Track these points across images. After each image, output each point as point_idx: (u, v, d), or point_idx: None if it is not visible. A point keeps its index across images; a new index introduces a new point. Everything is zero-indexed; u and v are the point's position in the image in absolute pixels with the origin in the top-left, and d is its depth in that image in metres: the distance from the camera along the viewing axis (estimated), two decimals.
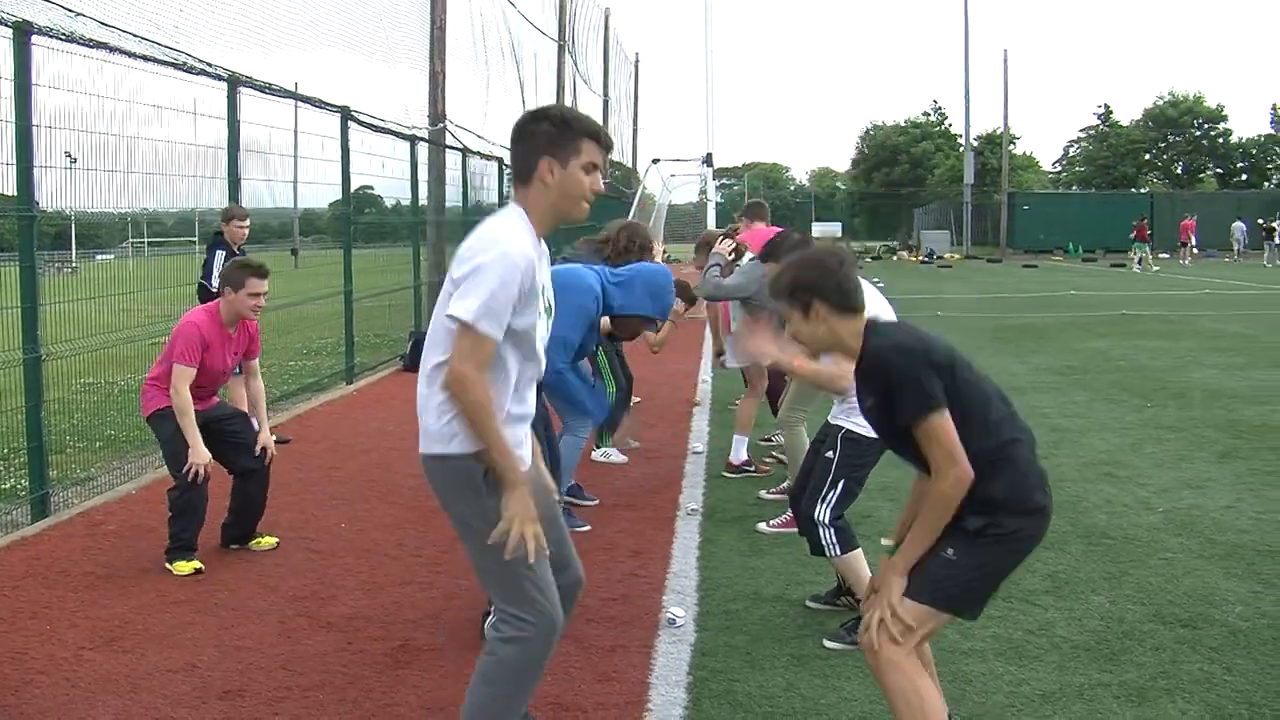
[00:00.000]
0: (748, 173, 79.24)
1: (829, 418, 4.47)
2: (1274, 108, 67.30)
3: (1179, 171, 62.76)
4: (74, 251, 12.88)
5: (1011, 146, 54.92)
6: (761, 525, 5.83)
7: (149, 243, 19.93)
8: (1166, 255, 40.32)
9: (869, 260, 43.52)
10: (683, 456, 7.66)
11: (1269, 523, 5.81)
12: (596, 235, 6.87)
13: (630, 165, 39.42)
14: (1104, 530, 5.70)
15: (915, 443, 2.86)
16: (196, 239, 13.31)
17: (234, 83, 8.64)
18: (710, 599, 4.76)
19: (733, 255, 6.93)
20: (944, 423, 2.80)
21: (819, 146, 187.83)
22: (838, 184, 78.98)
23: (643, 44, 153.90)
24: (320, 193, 12.31)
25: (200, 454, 5.13)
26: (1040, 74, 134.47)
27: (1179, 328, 16.28)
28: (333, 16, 12.12)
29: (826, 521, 4.26)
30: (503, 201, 18.67)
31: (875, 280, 24.06)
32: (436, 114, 14.77)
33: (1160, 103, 62.95)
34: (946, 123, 66.36)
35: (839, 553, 4.28)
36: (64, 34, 6.34)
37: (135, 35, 7.29)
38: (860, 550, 4.32)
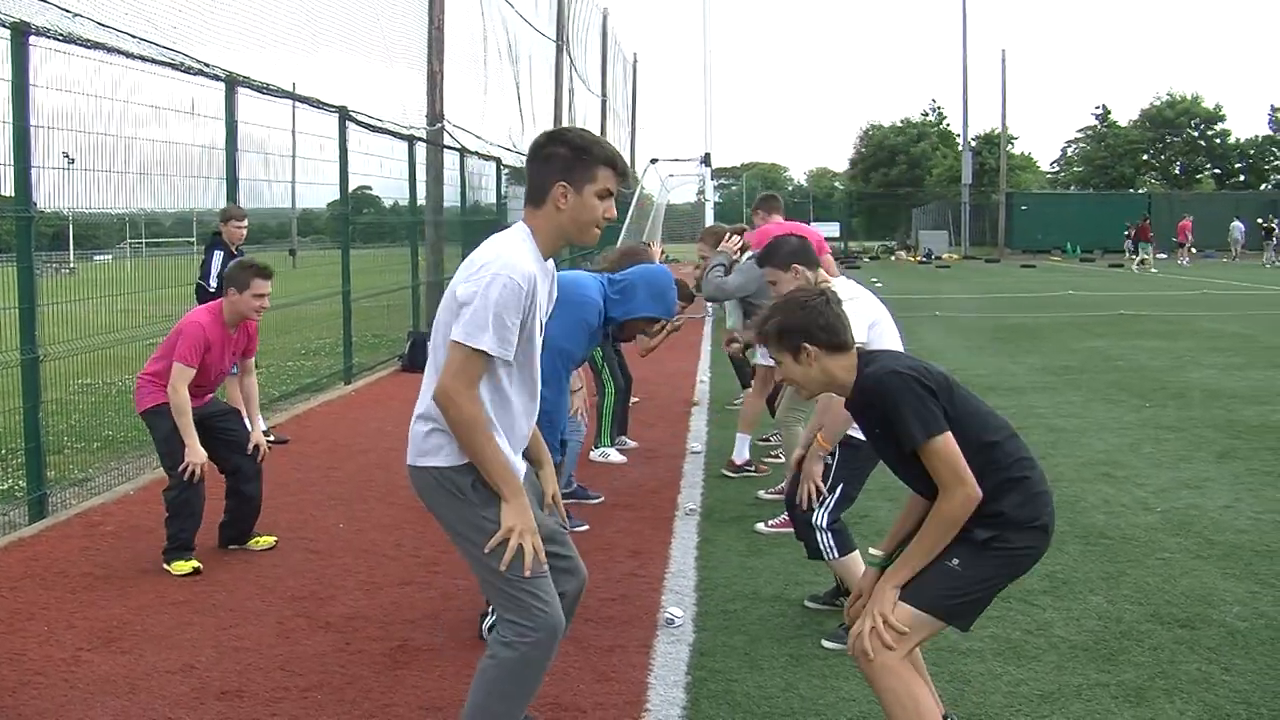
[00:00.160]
0: (746, 173, 79.12)
1: None
2: (1272, 108, 67.27)
3: (1177, 172, 62.87)
4: (72, 252, 12.85)
5: (1009, 147, 54.98)
6: (760, 525, 5.83)
7: (147, 243, 19.88)
8: (1164, 256, 40.32)
9: (867, 260, 43.54)
10: (681, 456, 7.66)
11: (1267, 523, 5.81)
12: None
13: (628, 165, 39.34)
14: (1102, 530, 5.70)
15: (923, 470, 2.86)
16: (194, 239, 13.30)
17: (232, 83, 8.64)
18: (709, 599, 4.76)
19: (738, 254, 6.93)
20: (947, 444, 2.80)
21: (817, 146, 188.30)
22: (836, 184, 78.93)
23: (641, 44, 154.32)
24: (318, 193, 12.30)
25: (197, 453, 5.12)
26: (1038, 74, 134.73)
27: (1177, 328, 16.28)
28: (331, 16, 12.13)
29: (824, 526, 4.25)
30: (501, 201, 18.66)
31: (873, 280, 24.21)
32: (434, 114, 14.77)
33: (1158, 103, 63.08)
34: (945, 123, 66.53)
35: (837, 556, 4.28)
36: (62, 34, 6.34)
37: (133, 35, 7.29)
38: (858, 552, 4.32)
